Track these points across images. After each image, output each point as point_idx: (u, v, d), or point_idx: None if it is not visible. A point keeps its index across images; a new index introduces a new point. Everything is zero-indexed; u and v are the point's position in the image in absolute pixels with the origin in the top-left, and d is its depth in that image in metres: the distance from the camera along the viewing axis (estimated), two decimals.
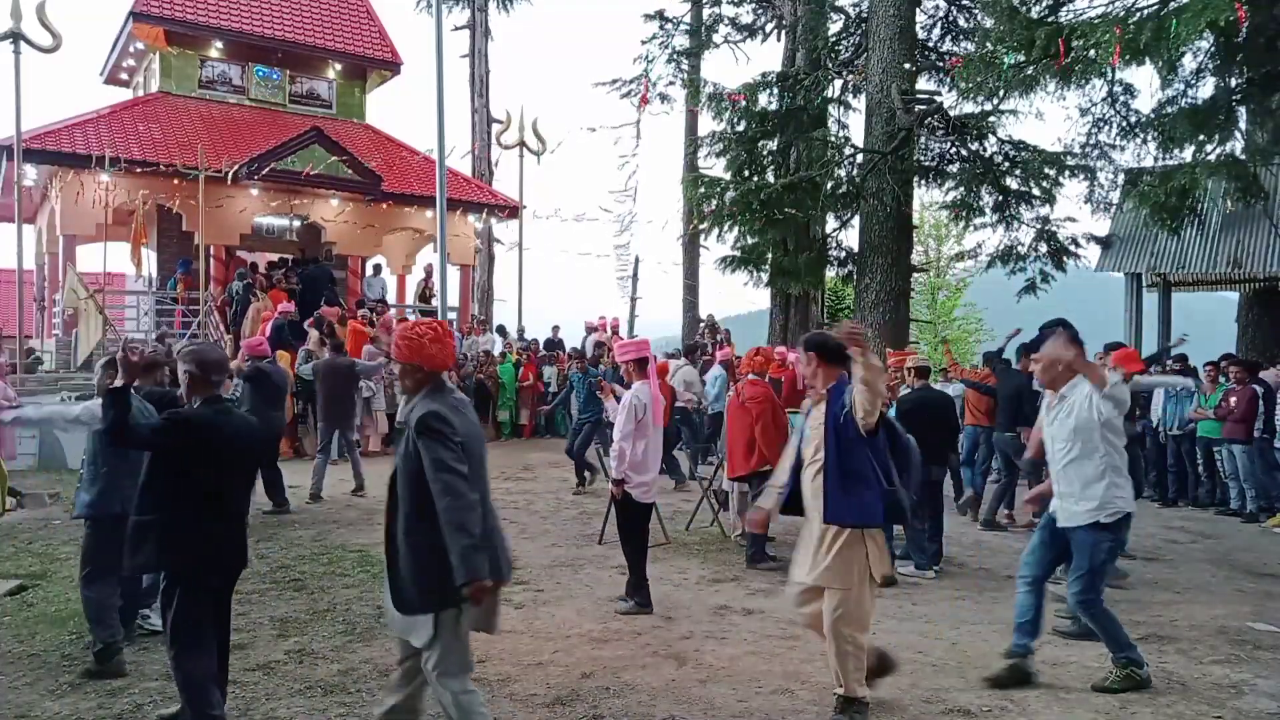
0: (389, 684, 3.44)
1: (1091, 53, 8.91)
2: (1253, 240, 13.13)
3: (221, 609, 3.66)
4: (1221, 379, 10.02)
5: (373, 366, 11.25)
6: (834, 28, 17.58)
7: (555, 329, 17.65)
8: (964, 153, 14.04)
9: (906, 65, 12.94)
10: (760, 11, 20.31)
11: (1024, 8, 10.93)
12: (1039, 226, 13.55)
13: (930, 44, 16.30)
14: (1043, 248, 13.48)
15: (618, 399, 6.35)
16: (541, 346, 16.62)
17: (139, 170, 15.04)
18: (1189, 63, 10.58)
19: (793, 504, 4.14)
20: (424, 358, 3.25)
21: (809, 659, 4.77)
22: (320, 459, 9.54)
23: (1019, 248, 13.64)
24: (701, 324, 17.05)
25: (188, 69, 17.80)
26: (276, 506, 8.56)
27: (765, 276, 15.31)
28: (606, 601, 5.81)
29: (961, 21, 16.33)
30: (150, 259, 19.00)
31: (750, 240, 14.57)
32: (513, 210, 19.63)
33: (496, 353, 16.31)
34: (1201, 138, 10.54)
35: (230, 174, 15.43)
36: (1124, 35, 8.48)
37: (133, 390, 3.70)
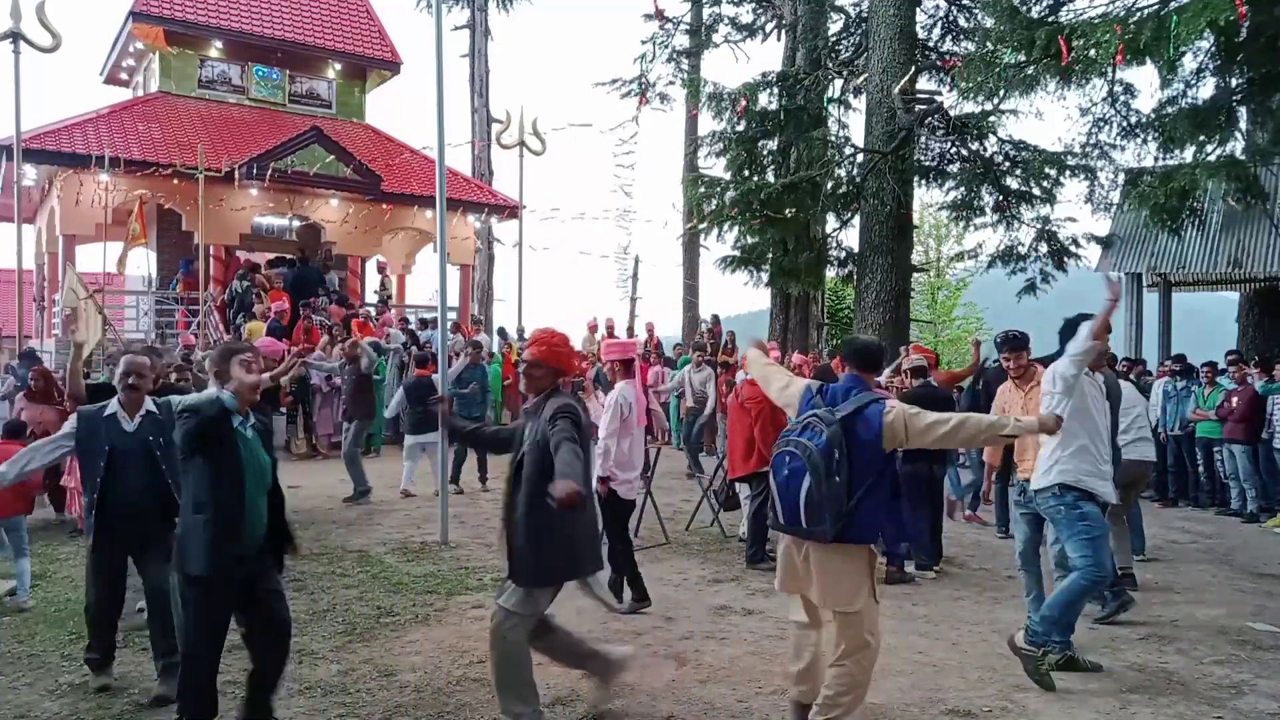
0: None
1: (1092, 52, 8.89)
2: (1253, 240, 13.13)
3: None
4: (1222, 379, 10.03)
5: (330, 366, 11.08)
6: (834, 28, 17.57)
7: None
8: (964, 153, 14.02)
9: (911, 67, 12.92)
10: (760, 11, 20.29)
11: (1024, 8, 10.91)
12: (1039, 226, 13.53)
13: (930, 44, 16.29)
14: (1043, 248, 13.46)
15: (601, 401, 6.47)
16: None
17: (139, 170, 15.04)
18: (1189, 63, 10.56)
19: None
20: (563, 362, 3.81)
21: None
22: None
23: (1019, 248, 13.62)
24: (704, 324, 17.01)
25: (187, 69, 17.81)
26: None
27: (765, 276, 15.28)
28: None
29: (962, 21, 16.32)
30: (150, 259, 19.03)
31: (750, 240, 14.54)
32: (512, 210, 19.63)
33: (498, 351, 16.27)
34: (1202, 138, 10.51)
35: (237, 175, 15.43)
36: (1124, 35, 8.47)
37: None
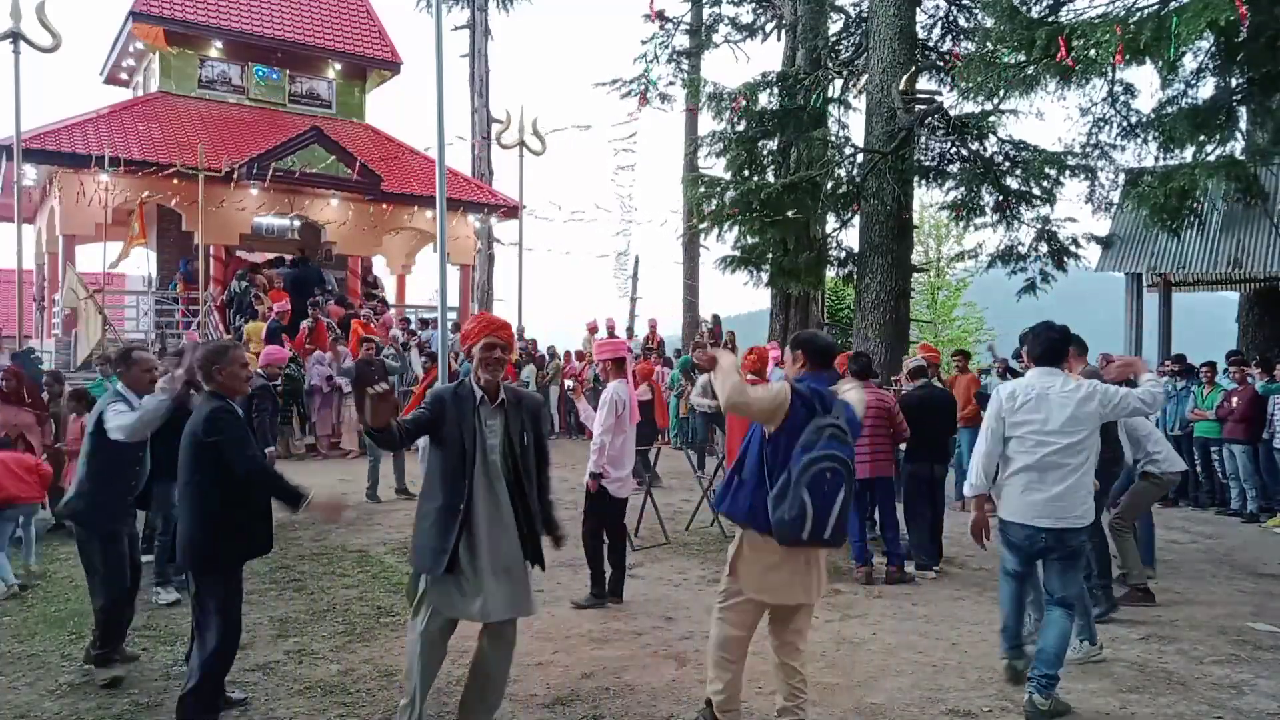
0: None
1: (1092, 52, 8.89)
2: (1253, 240, 13.12)
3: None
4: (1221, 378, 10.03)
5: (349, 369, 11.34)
6: (834, 28, 17.57)
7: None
8: (964, 153, 14.01)
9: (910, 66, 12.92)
10: (760, 11, 20.28)
11: (1024, 8, 10.91)
12: (1039, 226, 13.52)
13: (930, 44, 16.28)
14: (1043, 248, 13.45)
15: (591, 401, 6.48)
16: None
17: (139, 170, 15.04)
18: (1189, 63, 10.55)
19: None
20: (513, 345, 3.81)
21: (808, 659, 4.77)
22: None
23: (1019, 248, 13.61)
24: (704, 323, 17.00)
25: (187, 69, 17.82)
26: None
27: (765, 276, 15.27)
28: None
29: (962, 21, 16.31)
30: (150, 259, 19.03)
31: (750, 240, 14.53)
32: (512, 210, 19.64)
33: None
34: (1202, 138, 10.50)
35: (237, 175, 15.44)
36: (1124, 35, 8.47)
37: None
